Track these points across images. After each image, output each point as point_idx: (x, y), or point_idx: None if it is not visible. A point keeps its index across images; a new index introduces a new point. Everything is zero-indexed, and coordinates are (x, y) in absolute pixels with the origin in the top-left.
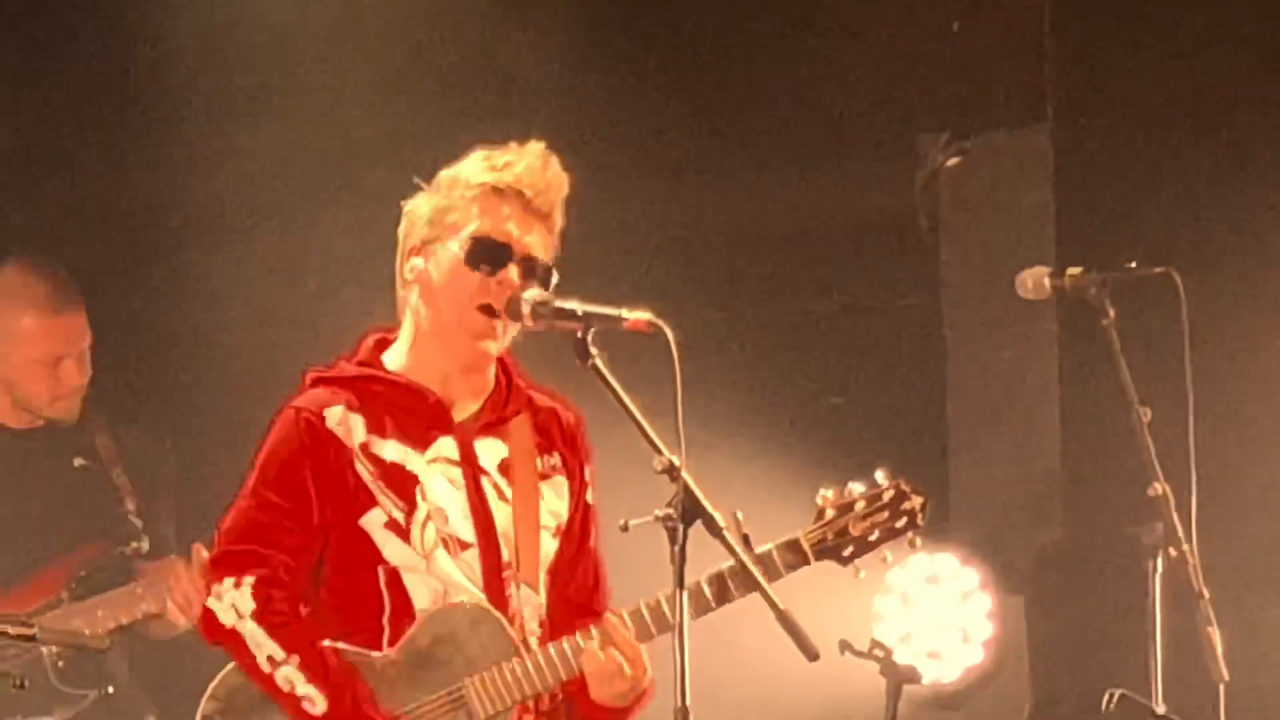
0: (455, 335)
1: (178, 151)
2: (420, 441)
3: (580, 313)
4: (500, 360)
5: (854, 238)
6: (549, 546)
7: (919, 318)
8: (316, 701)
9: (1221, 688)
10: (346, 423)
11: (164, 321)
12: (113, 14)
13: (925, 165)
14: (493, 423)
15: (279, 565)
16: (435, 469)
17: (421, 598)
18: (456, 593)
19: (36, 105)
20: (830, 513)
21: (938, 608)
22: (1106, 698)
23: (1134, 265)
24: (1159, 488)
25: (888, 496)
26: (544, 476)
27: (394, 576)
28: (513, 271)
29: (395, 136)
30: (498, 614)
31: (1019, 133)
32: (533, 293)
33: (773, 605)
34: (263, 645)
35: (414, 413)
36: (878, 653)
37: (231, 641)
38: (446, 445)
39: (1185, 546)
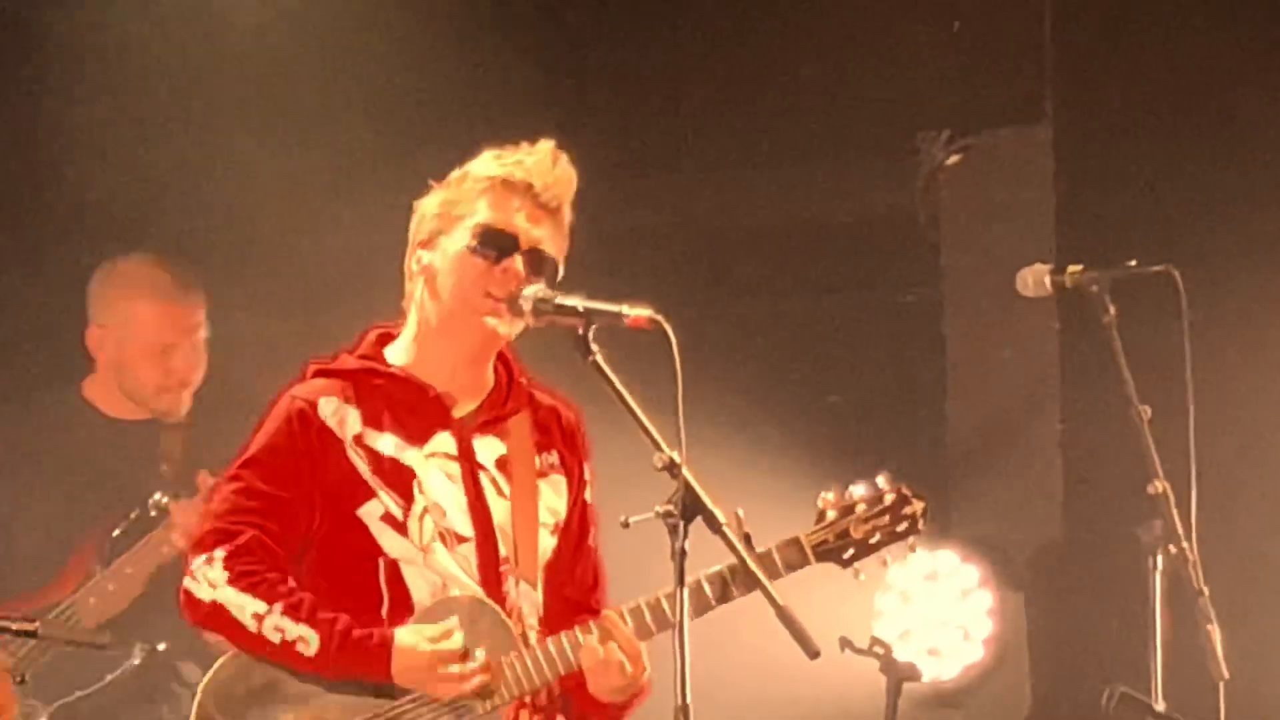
0: (461, 318)
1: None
2: (418, 436)
3: (581, 308)
4: (501, 356)
5: (854, 235)
6: (547, 544)
7: (919, 315)
8: (310, 640)
9: (1221, 685)
10: (341, 414)
11: None
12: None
13: (926, 163)
14: (492, 420)
15: (249, 538)
16: (433, 464)
17: (420, 591)
18: (455, 587)
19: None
20: (832, 514)
21: (938, 605)
22: (1106, 695)
23: (1134, 263)
24: (1159, 485)
25: (889, 500)
26: (542, 474)
27: (393, 569)
28: (518, 262)
29: (397, 139)
30: (497, 607)
31: (1020, 131)
32: (534, 288)
33: (773, 602)
34: (244, 605)
35: (413, 407)
36: (878, 650)
37: (214, 615)
38: (445, 441)
39: (1185, 544)
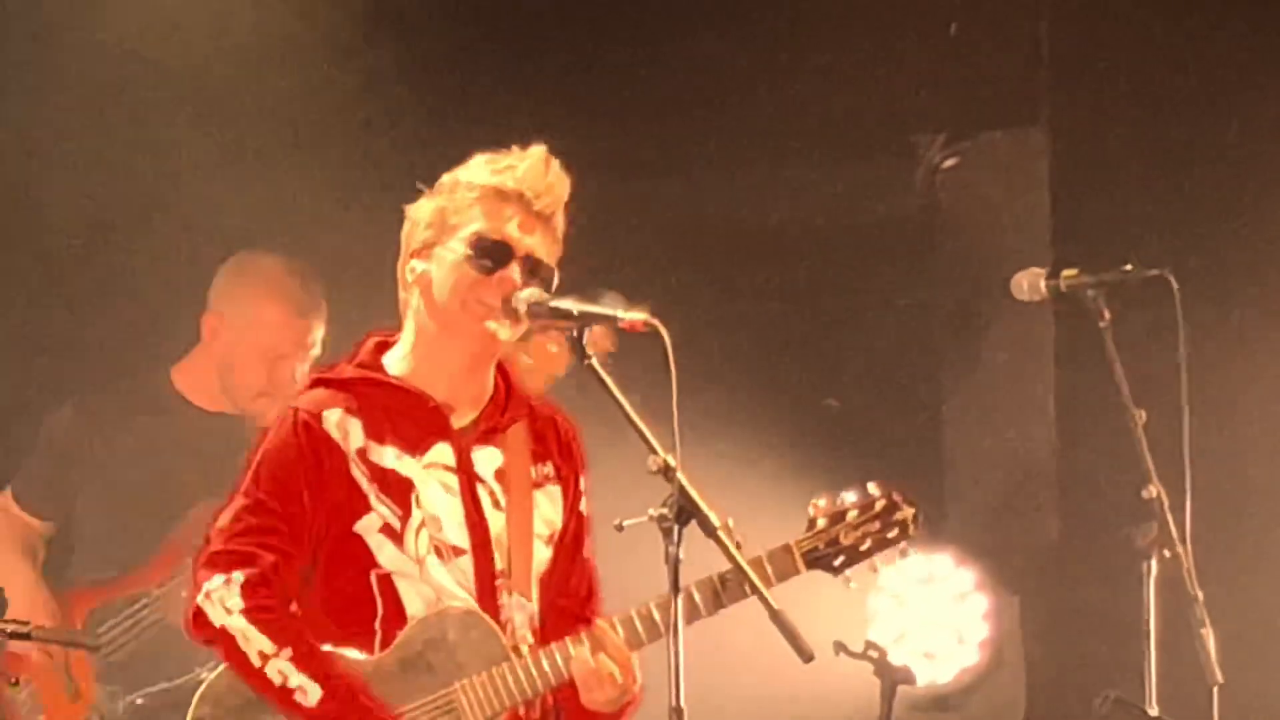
0: (459, 326)
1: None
2: (417, 447)
3: (576, 312)
4: (500, 367)
5: (850, 238)
6: (542, 555)
7: (915, 318)
8: (310, 692)
9: (1215, 690)
10: (344, 426)
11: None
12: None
13: (922, 166)
14: (490, 430)
15: (268, 564)
16: (431, 475)
17: (414, 603)
18: (449, 599)
19: None
20: (822, 522)
21: (933, 609)
22: (1100, 700)
23: (1129, 267)
24: (1153, 489)
25: (880, 506)
26: (538, 485)
27: (387, 582)
28: (514, 271)
29: (390, 144)
30: (489, 619)
31: (1015, 134)
32: (528, 292)
33: (767, 606)
34: (252, 640)
35: (412, 417)
36: (872, 653)
37: (221, 640)
38: (443, 451)
39: (1179, 548)
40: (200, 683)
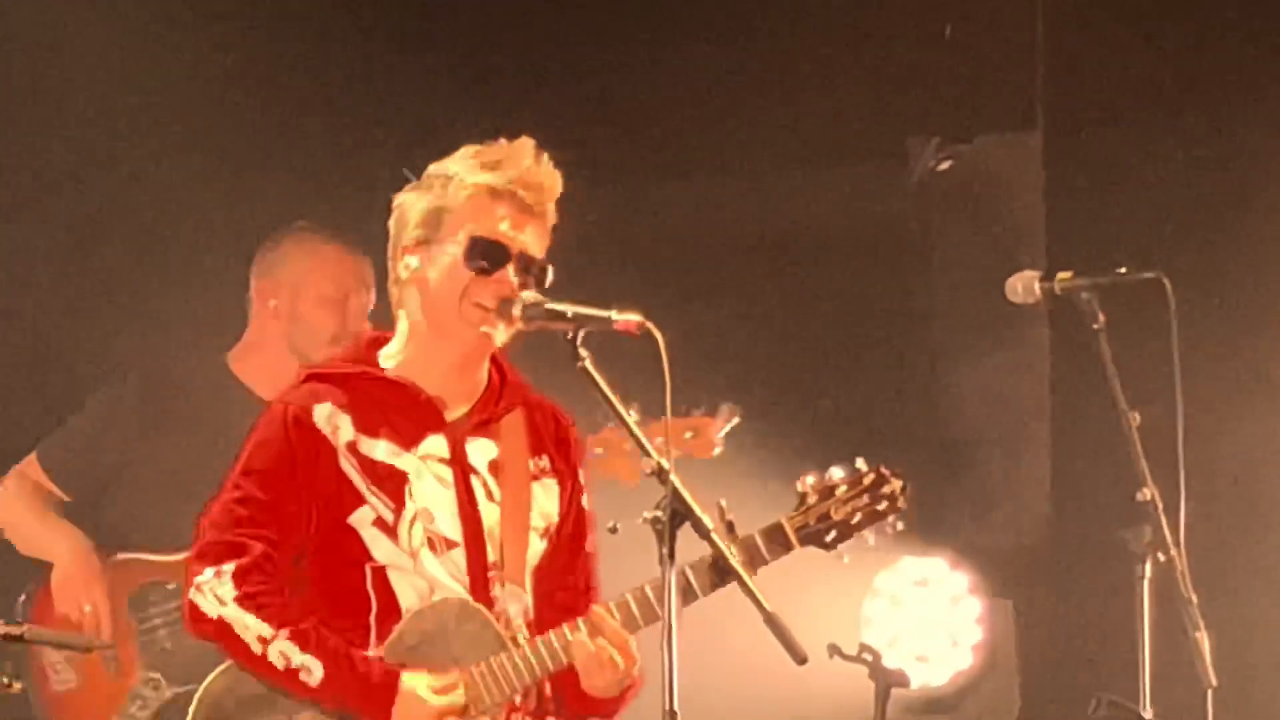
0: (453, 326)
1: None
2: (411, 440)
3: (570, 314)
4: (493, 358)
5: (845, 241)
6: (537, 547)
7: (909, 321)
8: (314, 670)
9: (1209, 693)
10: (334, 420)
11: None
12: None
13: (916, 169)
14: (484, 421)
15: (258, 553)
16: (425, 468)
17: (408, 597)
18: (442, 592)
19: None
20: (812, 498)
21: (927, 611)
22: (1093, 703)
23: (1124, 270)
24: (1148, 492)
25: (868, 480)
26: (535, 477)
27: (380, 575)
28: (510, 271)
29: (381, 141)
30: (484, 610)
31: (1010, 137)
32: (524, 294)
33: (761, 608)
34: (250, 627)
35: (405, 411)
36: (866, 656)
37: (218, 631)
38: (437, 444)
39: (1174, 551)
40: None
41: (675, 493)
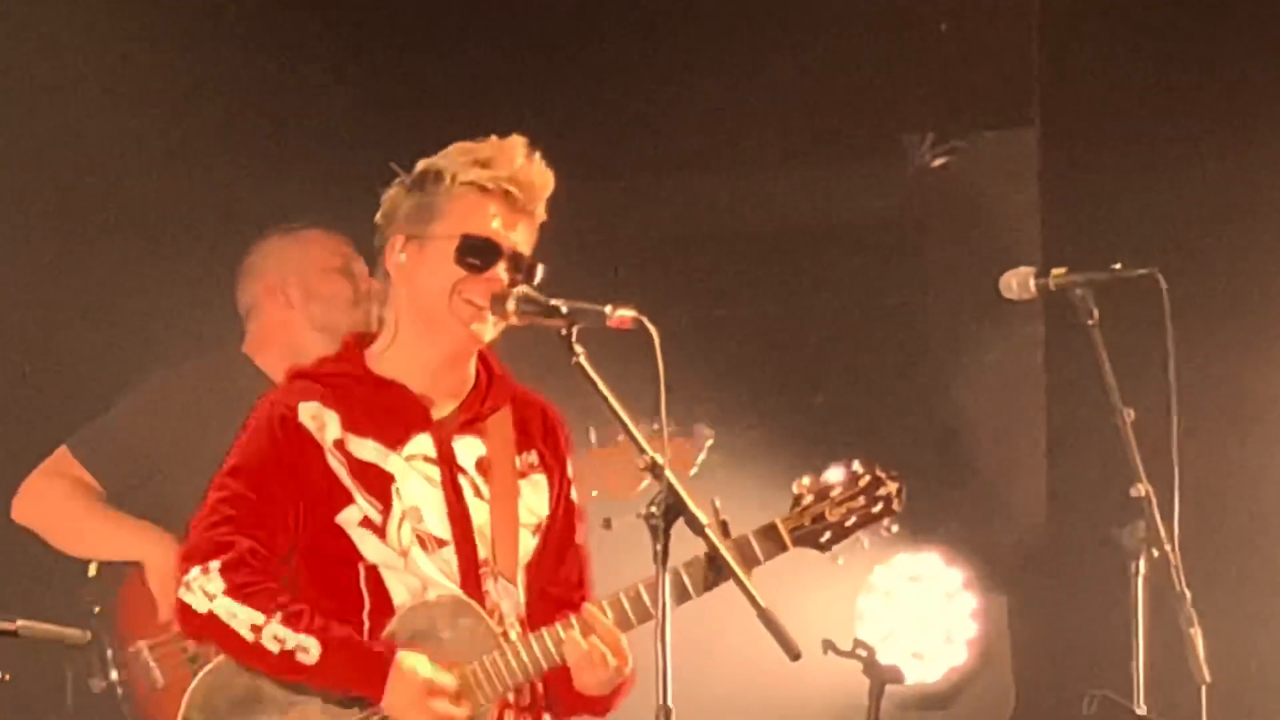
0: (444, 325)
1: None
2: (397, 439)
3: (564, 310)
4: (481, 355)
5: (839, 237)
6: (528, 544)
7: (904, 317)
8: (310, 648)
9: (1203, 689)
10: (320, 418)
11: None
12: None
13: (911, 165)
14: (471, 419)
15: (245, 549)
16: (411, 467)
17: (400, 595)
18: (435, 589)
19: None
20: (807, 499)
21: (921, 607)
22: (1087, 700)
23: (1119, 266)
24: (1142, 488)
25: (864, 482)
26: (522, 474)
27: (373, 574)
28: (501, 269)
29: (371, 141)
30: (477, 607)
31: (1005, 134)
32: (518, 290)
33: (755, 604)
34: (240, 616)
35: (392, 410)
36: (861, 652)
37: (210, 627)
38: (424, 442)
39: (1168, 547)
40: None
41: (670, 488)
